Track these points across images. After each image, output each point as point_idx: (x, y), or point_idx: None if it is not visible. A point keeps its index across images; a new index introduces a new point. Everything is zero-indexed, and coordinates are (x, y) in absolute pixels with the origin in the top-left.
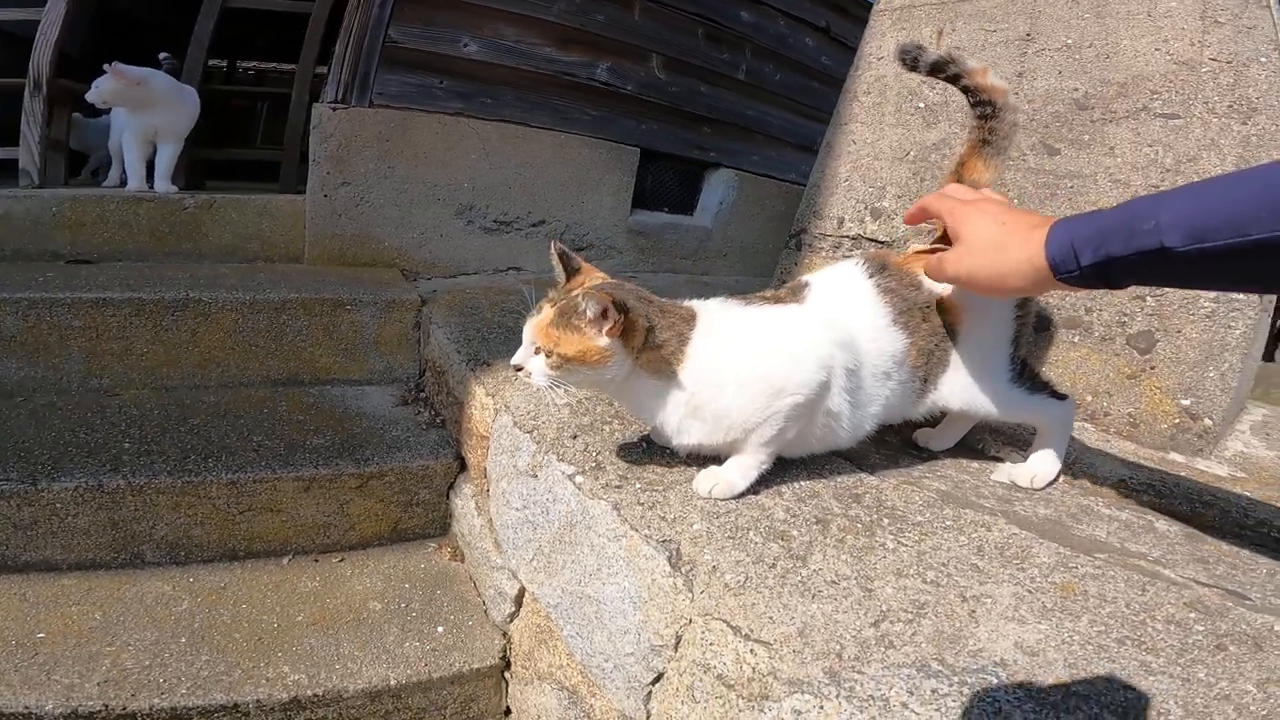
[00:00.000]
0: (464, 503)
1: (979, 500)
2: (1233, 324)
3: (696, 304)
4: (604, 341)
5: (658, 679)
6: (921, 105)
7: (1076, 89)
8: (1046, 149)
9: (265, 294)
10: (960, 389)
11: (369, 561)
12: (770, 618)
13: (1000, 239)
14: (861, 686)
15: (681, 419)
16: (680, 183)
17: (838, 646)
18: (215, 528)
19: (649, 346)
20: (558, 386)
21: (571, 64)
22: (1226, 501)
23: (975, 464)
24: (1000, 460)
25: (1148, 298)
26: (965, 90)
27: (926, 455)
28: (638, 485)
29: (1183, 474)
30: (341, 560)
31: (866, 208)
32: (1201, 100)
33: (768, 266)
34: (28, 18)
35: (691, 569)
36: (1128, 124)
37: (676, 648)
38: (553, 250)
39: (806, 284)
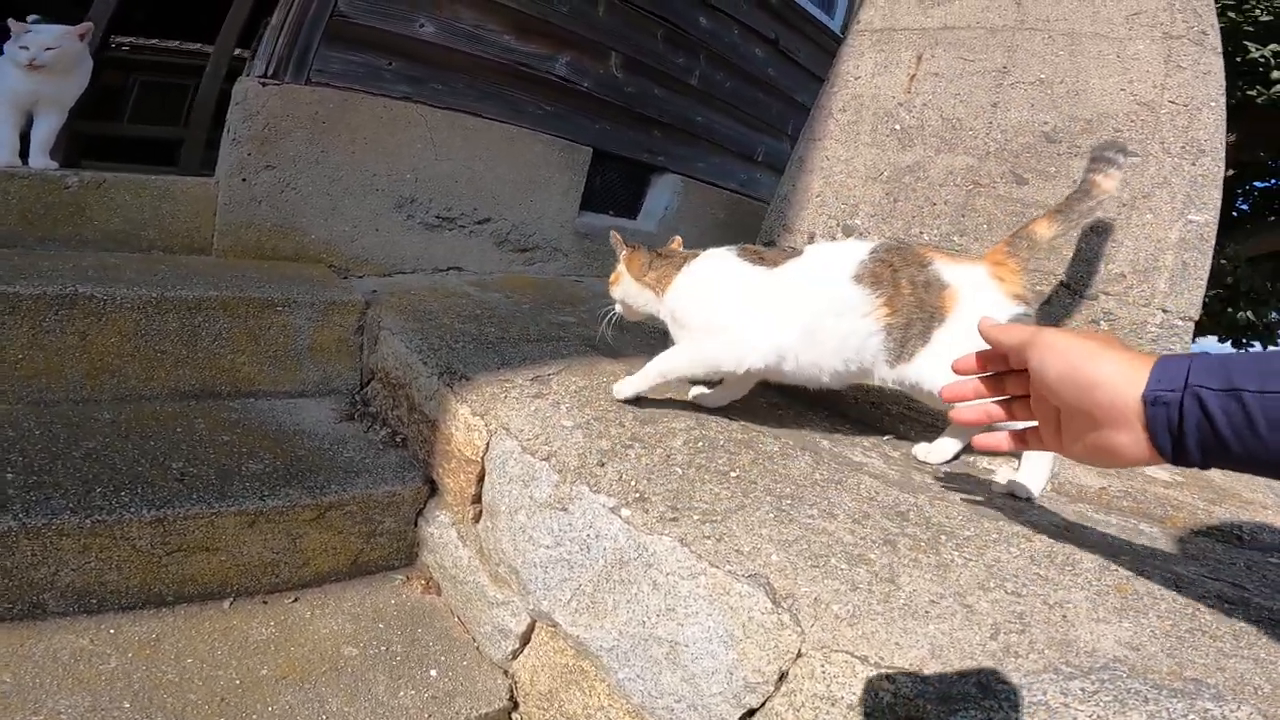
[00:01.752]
0: (440, 532)
1: (1000, 513)
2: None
3: (704, 251)
4: (620, 268)
5: (749, 714)
6: (898, 127)
7: (1046, 122)
8: (1015, 178)
9: (175, 290)
10: (939, 371)
11: (329, 600)
12: (896, 643)
13: (1095, 349)
14: (1017, 695)
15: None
16: (625, 185)
17: (973, 662)
18: (136, 571)
19: (647, 274)
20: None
21: (530, 55)
22: (1193, 506)
23: (969, 474)
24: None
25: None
26: (1090, 175)
27: (929, 469)
28: (695, 517)
29: (1145, 483)
30: (295, 600)
31: (838, 224)
32: (1159, 140)
33: None
34: None
35: (793, 603)
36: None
37: (780, 683)
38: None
39: (801, 252)
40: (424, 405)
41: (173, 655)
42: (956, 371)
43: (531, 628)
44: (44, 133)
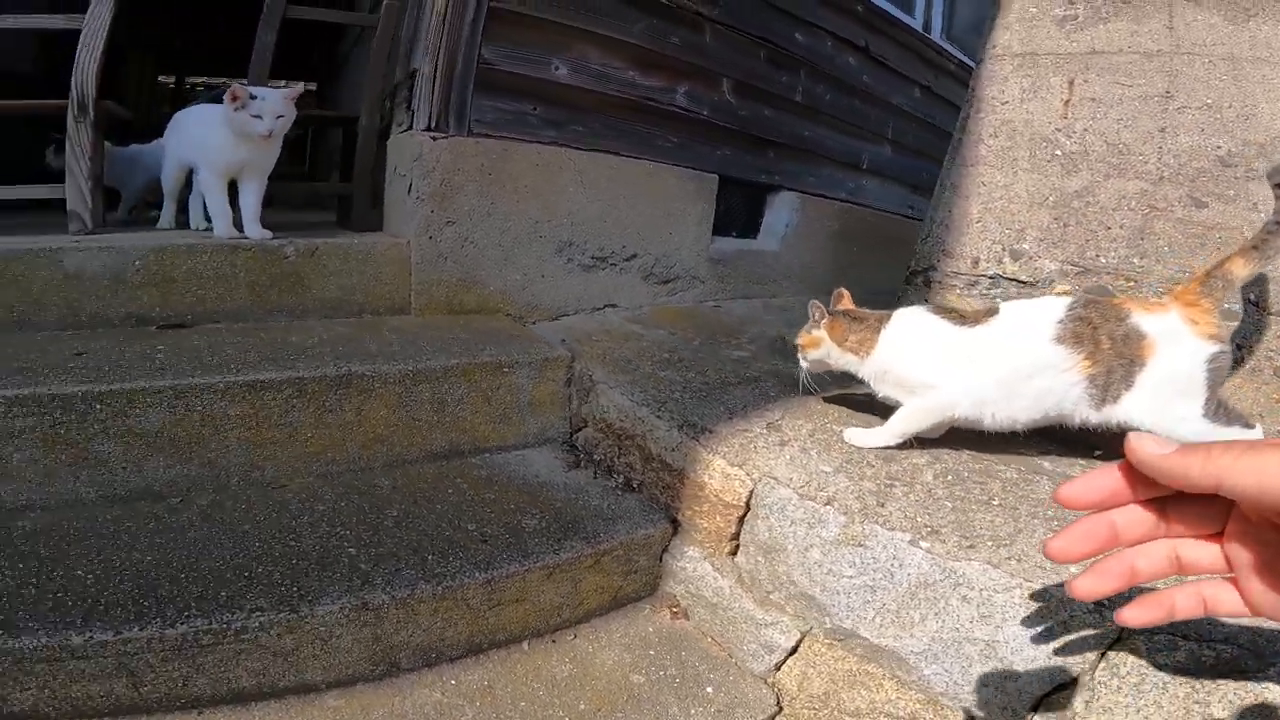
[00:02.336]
0: (691, 565)
1: None
2: None
3: (895, 312)
4: (819, 333)
5: (1059, 689)
6: (1058, 153)
7: (1220, 146)
8: (1194, 201)
9: (425, 362)
10: (1145, 410)
11: (599, 634)
12: None
13: None
14: None
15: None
16: (744, 206)
17: None
18: (465, 626)
19: (848, 339)
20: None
21: (653, 88)
22: None
23: None
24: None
25: None
26: None
27: None
28: (988, 542)
29: None
30: (575, 637)
31: (1004, 249)
32: None
33: (829, 284)
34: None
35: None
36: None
37: (1102, 657)
38: (832, 295)
39: (997, 310)
40: (665, 456)
41: (508, 700)
42: (1068, 503)
43: (799, 642)
44: (253, 201)
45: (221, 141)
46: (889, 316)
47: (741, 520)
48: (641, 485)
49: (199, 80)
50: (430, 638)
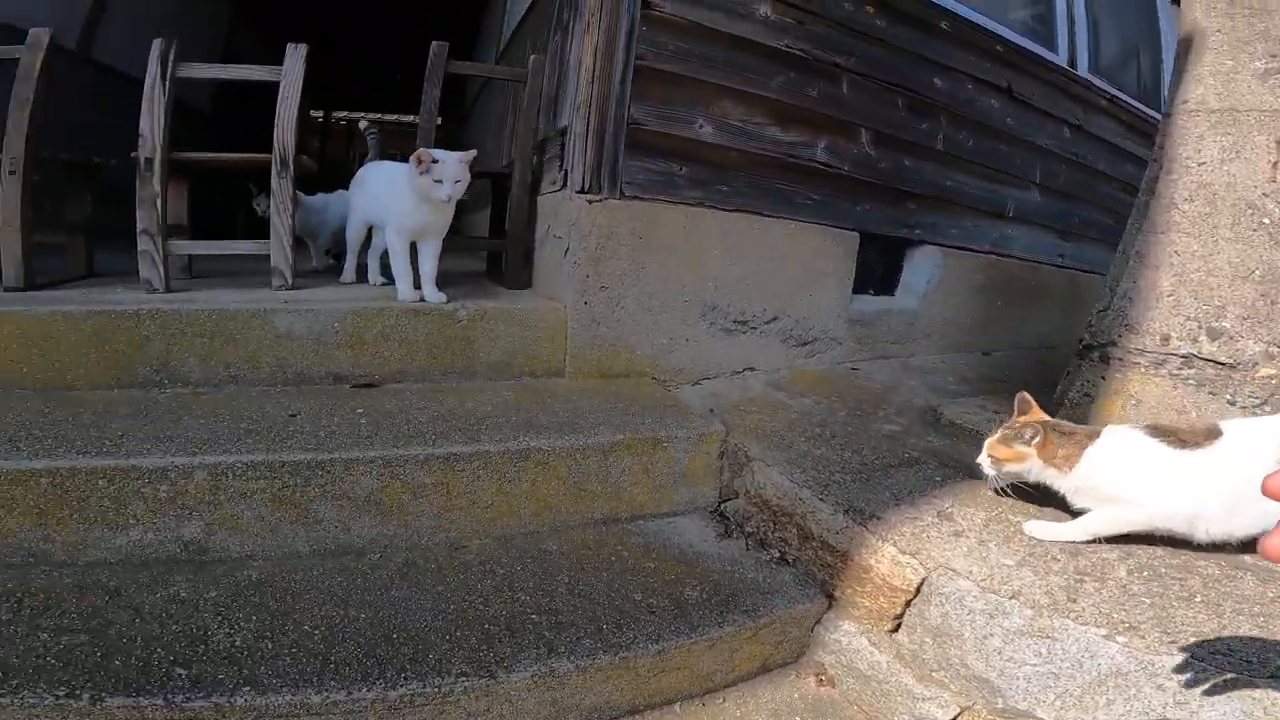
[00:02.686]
0: (846, 639)
1: None
2: None
3: (1104, 430)
4: (1027, 449)
5: None
6: (1266, 222)
7: None
8: None
9: (595, 437)
10: None
11: (747, 698)
12: None
13: None
14: None
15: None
16: (881, 261)
17: None
18: (629, 690)
19: (1055, 457)
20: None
21: (793, 144)
22: None
23: None
24: None
25: None
26: None
27: None
28: (1190, 639)
29: None
30: (724, 700)
31: (1200, 326)
32: None
33: (970, 342)
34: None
35: None
36: None
37: None
38: (1016, 400)
39: (1221, 433)
40: (827, 537)
41: None
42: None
43: (957, 716)
44: (431, 264)
45: (408, 204)
46: (1098, 434)
47: (908, 603)
48: (797, 561)
49: (343, 115)
50: (599, 700)
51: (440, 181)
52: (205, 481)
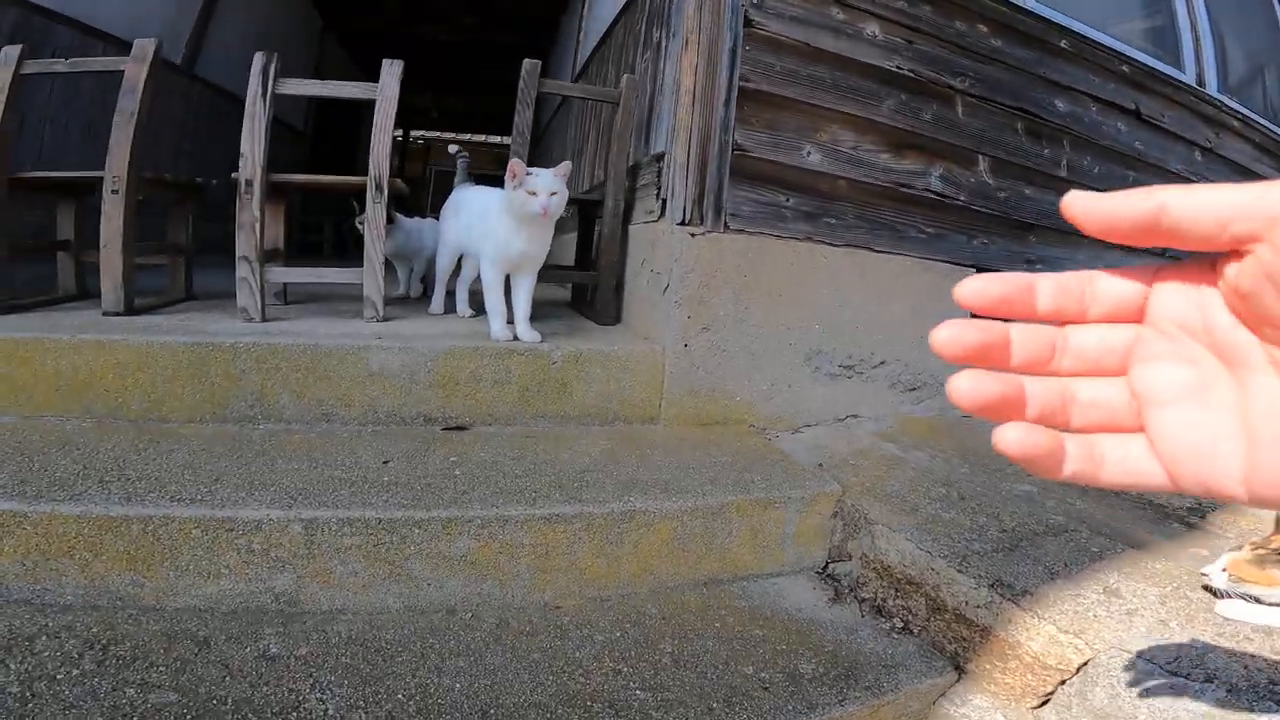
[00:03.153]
0: (976, 714)
1: None
2: None
3: None
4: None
5: None
6: None
7: None
8: None
9: (703, 499)
10: None
11: None
12: None
13: None
14: None
15: None
16: None
17: None
18: None
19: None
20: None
21: (906, 172)
22: None
23: None
24: None
25: None
26: None
27: None
28: None
29: None
30: None
31: None
32: None
33: None
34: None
35: None
36: None
37: None
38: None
39: None
40: (965, 611)
41: None
42: (962, 300)
43: None
44: (525, 300)
45: (503, 232)
46: None
47: (1063, 683)
48: (923, 631)
49: (420, 135)
50: None
51: (534, 194)
52: (300, 535)
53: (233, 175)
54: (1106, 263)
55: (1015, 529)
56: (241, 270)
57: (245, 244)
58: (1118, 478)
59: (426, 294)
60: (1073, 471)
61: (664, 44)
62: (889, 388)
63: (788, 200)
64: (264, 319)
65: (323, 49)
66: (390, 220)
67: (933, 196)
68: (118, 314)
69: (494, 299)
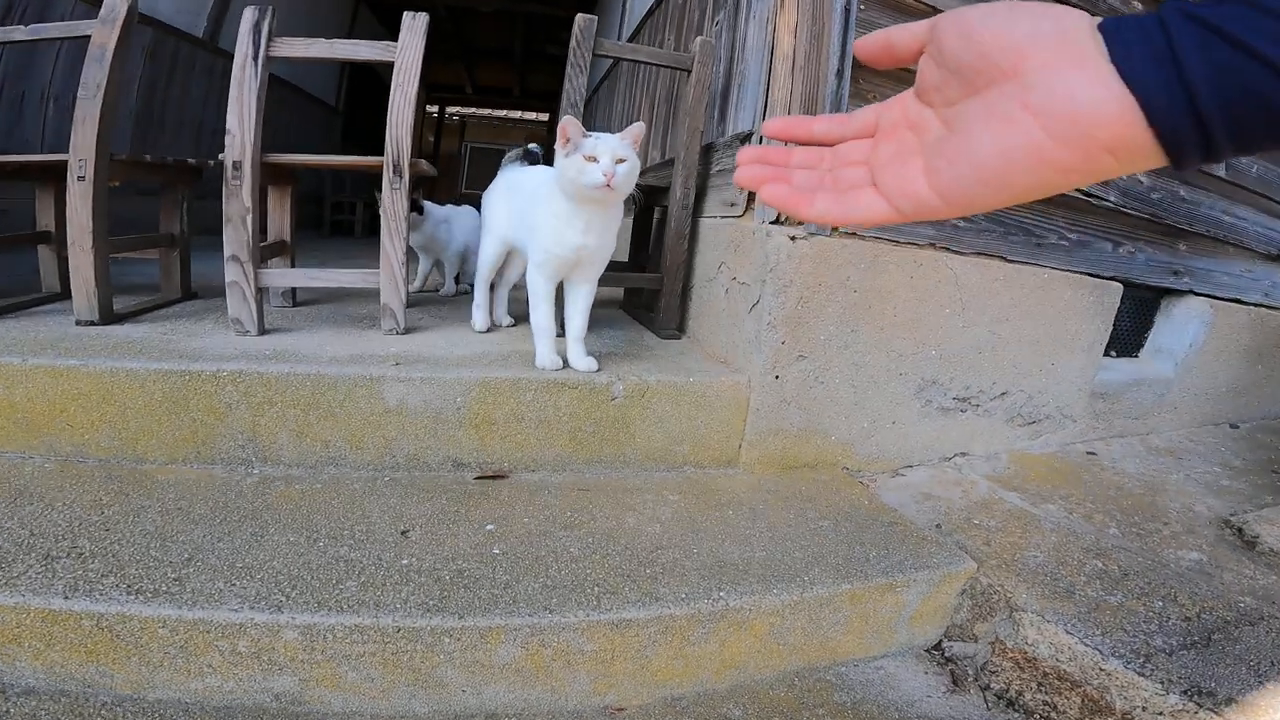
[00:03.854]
0: None
1: None
2: None
3: None
4: None
5: None
6: None
7: None
8: None
9: (811, 589)
10: None
11: None
12: None
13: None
14: None
15: None
16: (1126, 316)
17: None
18: None
19: None
20: None
21: None
22: None
23: None
24: None
25: None
26: None
27: None
28: None
29: None
30: None
31: None
32: None
33: (1215, 414)
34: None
35: None
36: None
37: None
38: None
39: None
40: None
41: None
42: (767, 129)
43: None
44: (581, 318)
45: (555, 221)
46: None
47: None
48: None
49: (455, 111)
50: None
51: (595, 160)
52: (297, 641)
53: (220, 157)
54: (1253, 277)
55: (1200, 615)
56: (231, 272)
57: (235, 240)
58: (857, 212)
59: (464, 293)
60: (820, 210)
61: (747, 2)
62: (1006, 421)
63: None
64: (261, 331)
65: (355, 21)
66: (418, 209)
67: (1079, 196)
68: (91, 323)
69: (541, 315)
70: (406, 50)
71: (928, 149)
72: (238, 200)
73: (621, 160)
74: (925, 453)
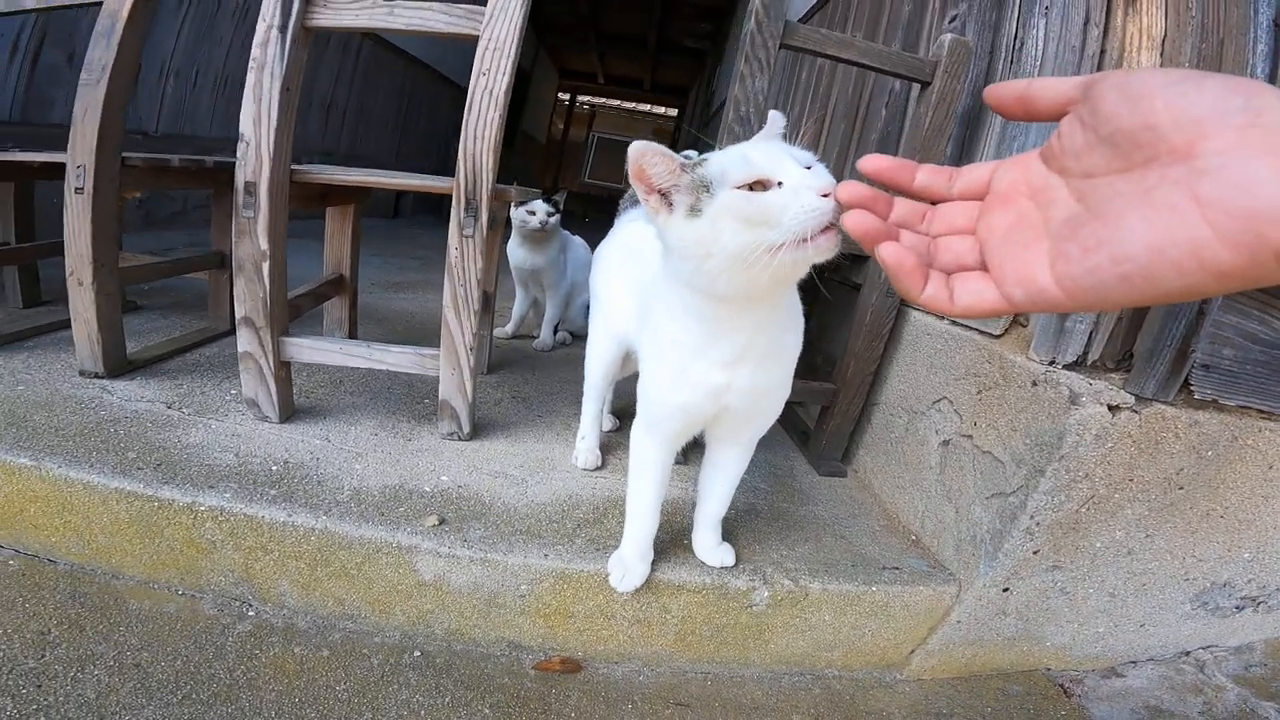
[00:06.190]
0: None
1: None
2: None
3: None
4: None
5: None
6: None
7: None
8: None
9: None
10: None
11: None
12: None
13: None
14: None
15: None
16: None
17: None
18: None
19: None
20: None
21: None
22: None
23: None
24: None
25: None
26: None
27: None
28: None
29: None
30: None
31: None
32: None
33: None
34: (451, 29)
35: None
36: None
37: None
38: None
39: None
40: None
41: None
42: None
43: None
44: (728, 484)
45: (677, 348)
46: None
47: None
48: None
49: (587, 100)
50: None
51: (767, 224)
52: None
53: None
54: None
55: None
56: (244, 340)
57: (248, 297)
58: (964, 300)
59: (564, 344)
60: (929, 294)
61: None
62: (1253, 612)
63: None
64: (284, 417)
65: None
66: (552, 207)
67: None
68: (96, 375)
69: (642, 488)
70: (497, 21)
71: (1055, 229)
72: (250, 241)
73: (825, 195)
74: (1152, 649)
